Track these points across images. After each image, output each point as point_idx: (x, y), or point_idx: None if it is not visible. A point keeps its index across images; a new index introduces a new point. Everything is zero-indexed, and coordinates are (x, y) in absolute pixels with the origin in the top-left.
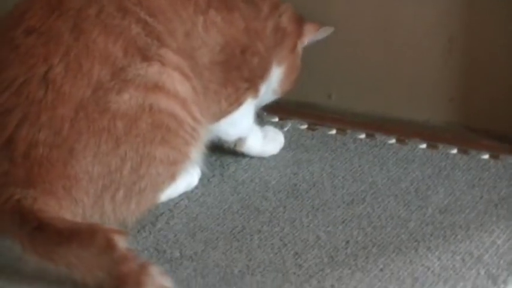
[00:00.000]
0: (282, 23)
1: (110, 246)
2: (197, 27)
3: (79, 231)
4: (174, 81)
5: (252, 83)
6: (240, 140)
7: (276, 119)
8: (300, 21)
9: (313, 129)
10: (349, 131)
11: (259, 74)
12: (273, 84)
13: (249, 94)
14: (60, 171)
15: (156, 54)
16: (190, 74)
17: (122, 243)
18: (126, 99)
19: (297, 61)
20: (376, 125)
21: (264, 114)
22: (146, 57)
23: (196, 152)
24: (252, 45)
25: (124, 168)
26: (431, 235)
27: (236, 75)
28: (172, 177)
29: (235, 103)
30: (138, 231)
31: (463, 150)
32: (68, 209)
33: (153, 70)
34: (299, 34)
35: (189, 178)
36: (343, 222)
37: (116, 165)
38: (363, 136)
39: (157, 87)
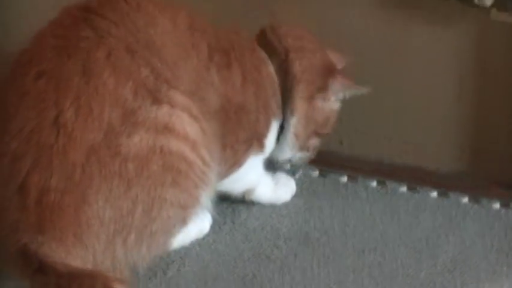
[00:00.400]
0: (293, 67)
1: None
2: (200, 80)
3: (80, 276)
4: (184, 122)
5: (251, 143)
6: (249, 190)
7: (288, 166)
8: (327, 72)
9: (324, 176)
10: (360, 179)
11: (257, 131)
12: (287, 134)
13: (250, 153)
14: (71, 218)
15: (166, 96)
16: (199, 115)
17: None
18: (137, 142)
19: (315, 114)
20: (387, 172)
21: (276, 161)
22: (156, 100)
23: (207, 197)
24: (247, 103)
25: (136, 212)
26: (442, 285)
27: (232, 138)
28: (183, 221)
29: (235, 165)
30: (149, 279)
31: (474, 199)
32: (77, 255)
33: (162, 112)
34: (320, 85)
35: (200, 224)
36: (354, 271)
37: (127, 209)
38: (374, 184)
39: (167, 129)
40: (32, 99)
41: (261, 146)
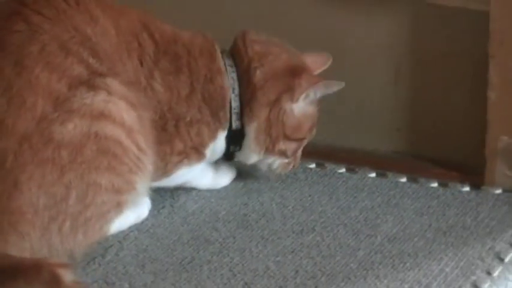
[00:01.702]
0: (254, 77)
1: (55, 281)
2: (139, 83)
3: (24, 267)
4: (120, 109)
5: (188, 154)
6: (185, 184)
7: (271, 173)
8: (286, 74)
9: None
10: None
11: (199, 141)
12: (247, 141)
13: (182, 165)
14: (4, 206)
15: (103, 83)
16: (137, 104)
17: (67, 276)
18: (71, 129)
19: (282, 116)
20: (325, 153)
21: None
22: (92, 86)
23: (143, 183)
24: (190, 114)
25: (69, 198)
26: (380, 264)
27: (165, 149)
28: (118, 207)
29: (164, 175)
30: (88, 264)
31: (412, 179)
32: (15, 244)
33: (99, 98)
34: (284, 88)
35: (139, 210)
36: (293, 251)
37: (61, 195)
38: (313, 165)
39: (103, 115)
40: None
41: (200, 156)
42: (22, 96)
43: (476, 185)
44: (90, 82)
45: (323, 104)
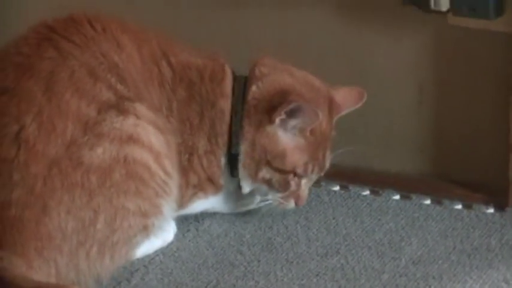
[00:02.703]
0: (247, 95)
1: None
2: (161, 111)
3: None
4: (149, 133)
5: (203, 187)
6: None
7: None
8: (276, 96)
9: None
10: (323, 183)
11: (211, 172)
12: (239, 167)
13: (198, 197)
14: (32, 232)
15: (131, 107)
16: (164, 128)
17: None
18: (100, 153)
19: (262, 140)
20: (349, 176)
21: None
22: (122, 111)
23: (169, 207)
24: (201, 143)
25: (97, 222)
26: (404, 287)
27: (182, 181)
28: (144, 231)
29: (180, 208)
30: None
31: (436, 201)
32: (40, 269)
33: (128, 123)
34: (269, 109)
35: (165, 234)
36: (317, 275)
37: (89, 220)
38: (337, 188)
39: (131, 139)
40: None
41: (216, 187)
42: (52, 121)
43: (500, 207)
44: (120, 107)
45: (347, 125)
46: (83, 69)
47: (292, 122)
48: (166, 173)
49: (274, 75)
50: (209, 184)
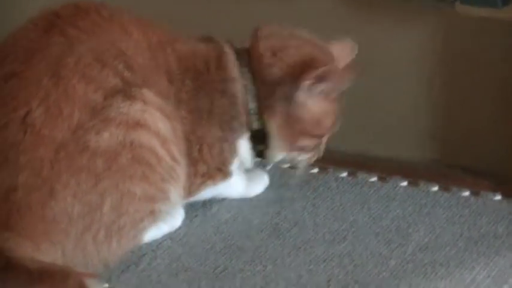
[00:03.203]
0: (269, 75)
1: None
2: (168, 99)
3: (51, 273)
4: (156, 119)
5: (210, 175)
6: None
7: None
8: (303, 67)
9: (295, 168)
10: (331, 170)
11: (221, 160)
12: (273, 140)
13: (205, 187)
14: (38, 215)
15: (139, 93)
16: (171, 115)
17: (94, 287)
18: (106, 138)
19: (298, 111)
20: (357, 163)
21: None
22: (128, 96)
23: (176, 192)
24: (212, 133)
25: (104, 206)
26: (412, 273)
27: (191, 170)
28: (152, 215)
29: (189, 195)
30: (122, 272)
31: (443, 188)
32: (47, 252)
33: (135, 108)
34: (299, 82)
35: (172, 219)
36: (325, 260)
37: (96, 204)
38: (344, 174)
39: (138, 125)
40: (1, 98)
41: (224, 175)
42: (59, 106)
43: (508, 194)
44: (127, 92)
45: (355, 113)
46: (90, 55)
47: (321, 87)
48: (173, 158)
49: (291, 46)
50: (218, 172)
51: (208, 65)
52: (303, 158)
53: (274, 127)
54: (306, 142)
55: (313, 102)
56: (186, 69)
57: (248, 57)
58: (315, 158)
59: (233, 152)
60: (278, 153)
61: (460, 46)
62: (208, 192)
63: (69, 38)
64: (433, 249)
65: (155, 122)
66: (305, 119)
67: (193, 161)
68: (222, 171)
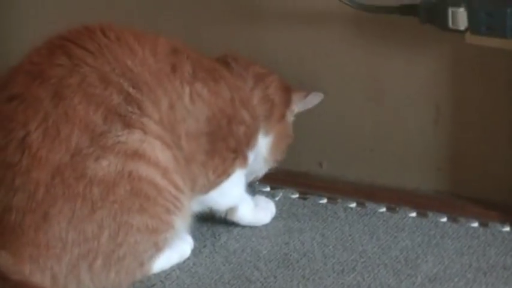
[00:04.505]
0: (270, 94)
1: None
2: (183, 99)
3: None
4: (155, 149)
5: (239, 153)
6: (231, 209)
7: (268, 188)
8: (287, 89)
9: (304, 198)
10: (339, 200)
11: (245, 142)
12: (263, 153)
13: (236, 164)
14: (30, 239)
15: (138, 121)
16: (172, 144)
17: None
18: (104, 166)
19: (286, 130)
20: (366, 193)
21: (256, 184)
22: (128, 124)
23: (182, 222)
24: (238, 115)
25: (101, 236)
26: None
27: (222, 146)
28: (156, 246)
29: (223, 174)
30: None
31: (452, 218)
32: (32, 276)
33: (134, 137)
34: (287, 103)
35: (181, 249)
36: None
37: (92, 233)
38: (353, 205)
39: (137, 155)
40: (2, 119)
41: (245, 159)
42: (57, 127)
43: None
44: (127, 119)
45: (363, 142)
46: (95, 74)
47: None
48: (176, 188)
49: (268, 74)
50: (241, 155)
51: (214, 67)
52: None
53: (268, 143)
54: (283, 155)
55: (290, 120)
56: (199, 67)
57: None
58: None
59: (254, 139)
60: (265, 168)
61: (469, 76)
62: (235, 179)
63: (74, 58)
64: (441, 280)
65: (154, 152)
66: (289, 134)
67: (222, 137)
68: (244, 154)
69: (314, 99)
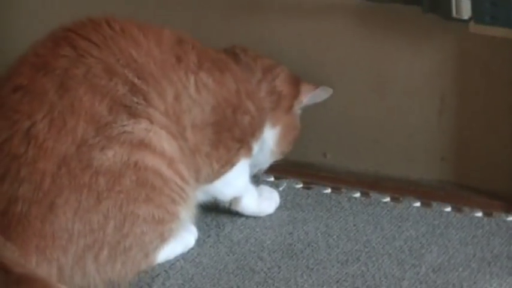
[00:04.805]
0: (277, 86)
1: None
2: (188, 89)
3: (31, 281)
4: (161, 139)
5: (244, 143)
6: (235, 199)
7: (272, 179)
8: (296, 81)
9: (308, 188)
10: (344, 190)
11: (250, 132)
12: (269, 145)
13: (241, 154)
14: (36, 229)
15: (144, 111)
16: (177, 135)
17: None
18: (110, 156)
19: (293, 122)
20: (370, 183)
21: (260, 174)
22: (133, 114)
23: (187, 213)
24: (243, 105)
25: (107, 226)
26: None
27: (227, 136)
28: (161, 237)
29: (228, 164)
30: None
31: (456, 208)
32: (40, 267)
33: (140, 127)
34: (295, 95)
35: (185, 239)
36: (338, 281)
37: (98, 223)
38: (357, 195)
39: (143, 145)
40: (6, 111)
41: (249, 149)
42: (63, 118)
43: None
44: (132, 109)
45: (368, 133)
46: (100, 66)
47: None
48: (182, 178)
49: (276, 65)
50: (246, 145)
51: (220, 57)
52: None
53: (274, 135)
54: (290, 147)
55: (298, 114)
56: (204, 58)
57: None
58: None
59: (259, 130)
60: (269, 160)
61: (473, 66)
62: (240, 168)
63: (79, 50)
64: (446, 270)
65: (160, 142)
66: (297, 126)
67: (228, 127)
68: (248, 144)
69: (323, 93)
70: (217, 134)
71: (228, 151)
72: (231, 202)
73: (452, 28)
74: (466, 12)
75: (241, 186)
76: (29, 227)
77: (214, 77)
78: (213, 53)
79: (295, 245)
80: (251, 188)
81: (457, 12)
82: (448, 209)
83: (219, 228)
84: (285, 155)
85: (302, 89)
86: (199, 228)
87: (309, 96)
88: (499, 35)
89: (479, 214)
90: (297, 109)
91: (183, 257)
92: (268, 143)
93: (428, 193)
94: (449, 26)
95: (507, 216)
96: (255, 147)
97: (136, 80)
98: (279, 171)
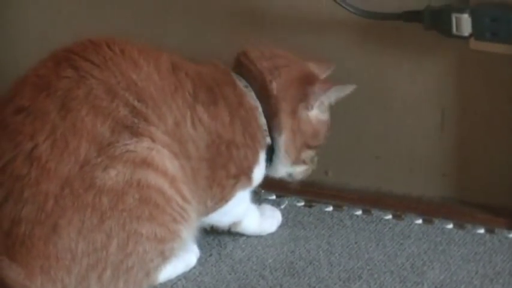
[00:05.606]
0: (272, 89)
1: None
2: (186, 121)
3: None
4: (164, 158)
5: (241, 176)
6: (234, 223)
7: (273, 197)
8: (304, 82)
9: (310, 206)
10: (345, 208)
11: (247, 165)
12: (281, 152)
13: (237, 188)
14: (40, 250)
15: (146, 130)
16: (180, 154)
17: None
18: (113, 175)
19: (302, 125)
20: (372, 200)
21: (261, 192)
22: (135, 133)
23: (188, 232)
24: (237, 139)
25: (110, 246)
26: None
27: (222, 174)
28: (162, 256)
29: (222, 201)
30: None
31: (458, 225)
32: (43, 287)
33: (142, 145)
34: (300, 98)
35: (187, 258)
36: None
37: (101, 243)
38: (359, 212)
39: (145, 163)
40: (9, 132)
41: (249, 180)
42: (66, 139)
43: None
44: (134, 128)
45: (369, 149)
46: (101, 87)
47: (326, 103)
48: (183, 198)
49: (283, 65)
50: (244, 176)
51: (217, 82)
52: (301, 170)
53: (282, 142)
54: (308, 154)
55: (313, 116)
56: (199, 87)
57: (246, 75)
58: (311, 170)
59: (255, 161)
60: (282, 169)
61: (474, 82)
62: (237, 201)
63: (81, 71)
64: (448, 287)
65: (163, 160)
66: (307, 131)
67: (224, 162)
68: (247, 176)
69: (340, 91)
70: (212, 170)
71: (222, 190)
72: (230, 226)
73: (453, 44)
74: (467, 29)
75: (239, 214)
76: (33, 248)
77: (209, 112)
78: (206, 75)
79: (297, 263)
80: (252, 210)
81: (457, 29)
82: (450, 225)
83: (221, 247)
84: (314, 164)
85: (311, 90)
86: (200, 247)
87: (323, 97)
88: (499, 51)
89: (482, 231)
90: (303, 112)
91: (185, 276)
92: (280, 150)
93: (430, 210)
94: (450, 42)
95: (509, 233)
96: (256, 175)
97: (136, 103)
98: (280, 189)
